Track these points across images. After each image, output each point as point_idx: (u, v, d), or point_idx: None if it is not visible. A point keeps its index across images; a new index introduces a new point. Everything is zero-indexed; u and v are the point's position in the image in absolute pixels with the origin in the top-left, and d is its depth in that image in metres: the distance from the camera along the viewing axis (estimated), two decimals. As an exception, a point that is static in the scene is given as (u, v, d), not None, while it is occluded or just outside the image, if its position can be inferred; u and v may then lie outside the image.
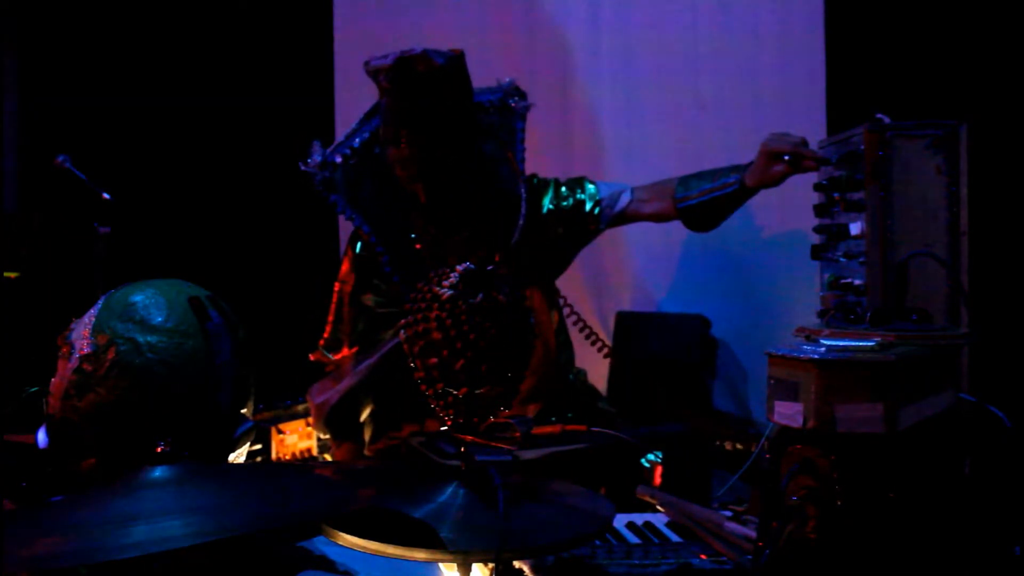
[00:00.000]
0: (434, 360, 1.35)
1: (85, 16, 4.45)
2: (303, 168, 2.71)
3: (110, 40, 4.43)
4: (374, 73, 2.59)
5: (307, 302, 3.07)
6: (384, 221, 2.72)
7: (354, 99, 4.36)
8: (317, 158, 2.70)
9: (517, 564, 1.63)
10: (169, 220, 4.26)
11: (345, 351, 2.80)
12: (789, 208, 3.57)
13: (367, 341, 2.75)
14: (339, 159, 2.71)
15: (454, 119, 2.58)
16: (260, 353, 1.57)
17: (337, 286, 2.83)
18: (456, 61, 2.56)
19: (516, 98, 2.79)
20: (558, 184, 2.85)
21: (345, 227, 4.35)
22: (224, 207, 4.37)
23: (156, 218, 4.17)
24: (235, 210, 4.37)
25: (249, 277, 4.13)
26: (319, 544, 1.47)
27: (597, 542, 1.84)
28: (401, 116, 2.57)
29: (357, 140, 2.75)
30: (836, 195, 2.54)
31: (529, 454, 2.20)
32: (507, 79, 2.80)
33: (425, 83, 2.51)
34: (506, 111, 2.78)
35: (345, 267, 2.83)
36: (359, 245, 2.78)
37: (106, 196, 3.00)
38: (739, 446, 3.10)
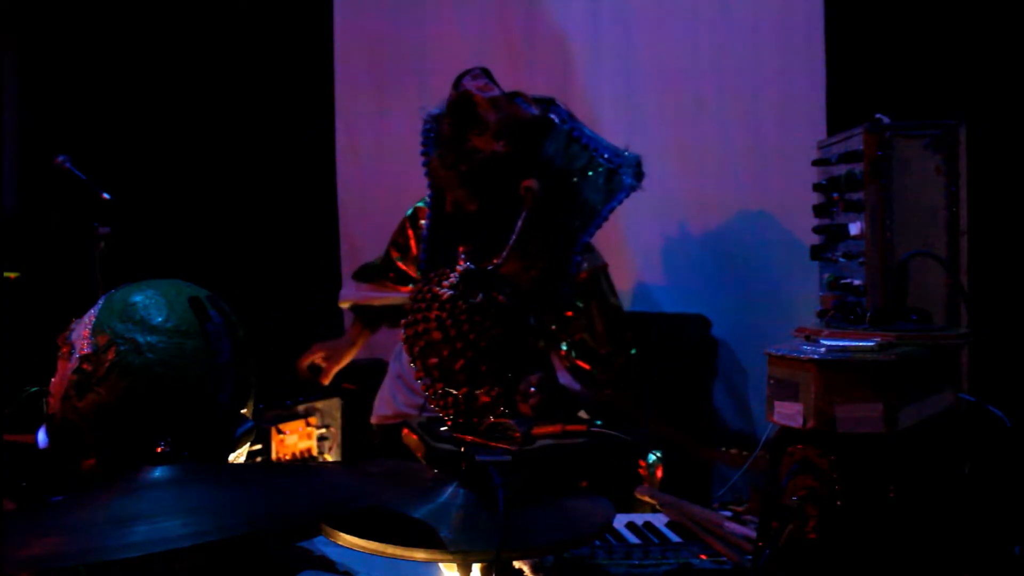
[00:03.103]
0: (434, 360, 1.35)
1: (85, 16, 4.45)
2: (421, 110, 2.69)
3: (111, 40, 4.43)
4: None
5: (307, 302, 3.07)
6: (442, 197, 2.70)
7: (354, 98, 4.38)
8: (434, 111, 2.68)
9: (517, 564, 1.63)
10: (169, 220, 4.26)
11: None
12: (789, 208, 3.57)
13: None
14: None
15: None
16: (260, 353, 1.57)
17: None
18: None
19: (632, 175, 2.61)
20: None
21: (346, 228, 4.35)
22: (224, 207, 4.37)
23: (156, 218, 4.16)
24: (235, 210, 4.37)
25: (249, 277, 4.13)
26: (319, 544, 1.47)
27: (597, 542, 1.84)
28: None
29: None
30: (835, 195, 2.54)
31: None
32: (636, 153, 2.63)
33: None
34: (615, 181, 2.63)
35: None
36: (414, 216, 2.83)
37: (106, 196, 2.99)
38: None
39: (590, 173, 2.61)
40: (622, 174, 2.59)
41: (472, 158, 2.51)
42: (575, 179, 2.62)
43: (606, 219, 2.60)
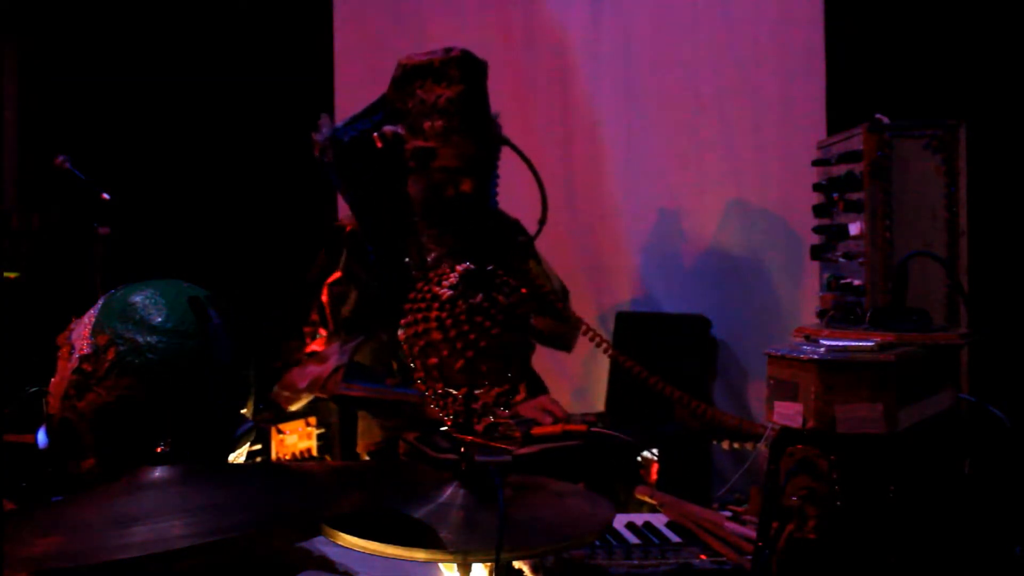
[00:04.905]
0: (434, 360, 1.35)
1: (85, 16, 4.45)
2: (313, 136, 2.71)
3: (111, 40, 4.43)
4: (430, 67, 2.64)
5: (307, 301, 3.06)
6: (377, 211, 2.70)
7: (354, 99, 4.37)
8: (326, 131, 2.69)
9: (517, 564, 1.63)
10: (169, 220, 4.26)
11: (322, 336, 2.82)
12: (789, 208, 3.57)
13: (352, 327, 2.79)
14: (347, 139, 2.69)
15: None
16: (260, 353, 1.57)
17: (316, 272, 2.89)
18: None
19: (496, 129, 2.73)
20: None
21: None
22: (224, 207, 4.37)
23: (156, 218, 4.17)
24: (235, 210, 4.37)
25: (249, 277, 4.12)
26: (319, 544, 1.47)
27: (597, 542, 1.84)
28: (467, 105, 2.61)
29: (364, 125, 2.73)
30: (835, 195, 2.54)
31: (521, 450, 2.21)
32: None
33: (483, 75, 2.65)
34: (496, 135, 2.75)
35: (324, 257, 2.87)
36: (350, 234, 2.79)
37: (106, 196, 2.99)
38: (736, 445, 3.09)
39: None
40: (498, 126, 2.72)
41: (448, 109, 2.61)
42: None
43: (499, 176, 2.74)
